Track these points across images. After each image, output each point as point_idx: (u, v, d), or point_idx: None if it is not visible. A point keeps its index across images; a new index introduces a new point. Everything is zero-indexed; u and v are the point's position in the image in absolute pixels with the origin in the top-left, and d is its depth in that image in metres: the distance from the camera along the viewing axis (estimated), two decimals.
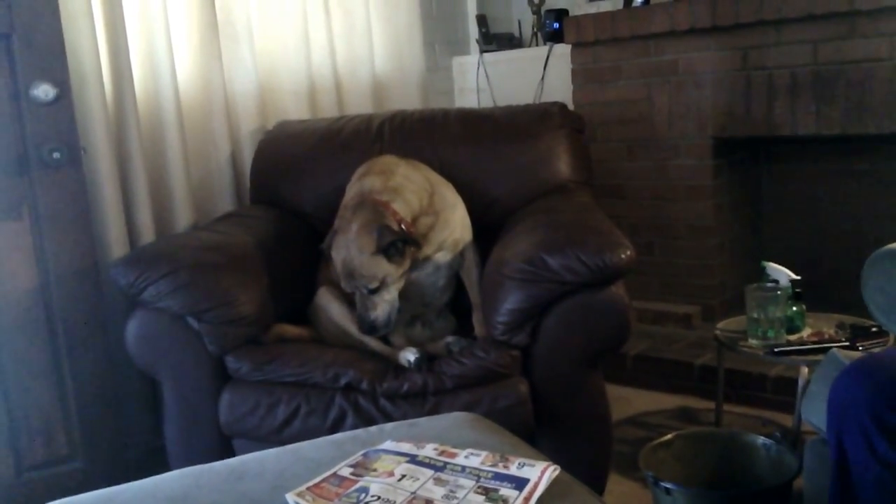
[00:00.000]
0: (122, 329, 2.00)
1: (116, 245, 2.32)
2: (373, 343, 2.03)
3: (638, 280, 3.09)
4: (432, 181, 2.15)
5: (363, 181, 2.06)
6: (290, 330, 2.11)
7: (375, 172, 2.07)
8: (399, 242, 1.91)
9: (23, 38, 1.93)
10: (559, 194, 2.31)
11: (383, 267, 1.91)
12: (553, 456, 1.34)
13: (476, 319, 2.09)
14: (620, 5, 3.20)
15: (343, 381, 1.88)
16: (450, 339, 2.04)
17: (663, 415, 2.72)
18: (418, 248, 2.00)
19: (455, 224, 2.13)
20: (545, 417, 1.89)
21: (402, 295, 2.03)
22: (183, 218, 2.51)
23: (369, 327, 1.94)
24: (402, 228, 1.94)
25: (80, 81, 2.20)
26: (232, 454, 1.88)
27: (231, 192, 2.69)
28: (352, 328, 2.04)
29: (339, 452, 1.32)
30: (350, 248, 1.92)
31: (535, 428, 1.87)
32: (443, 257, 2.11)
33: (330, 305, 2.10)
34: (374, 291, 1.92)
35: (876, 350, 2.02)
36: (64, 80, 2.00)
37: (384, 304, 1.93)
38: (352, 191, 2.09)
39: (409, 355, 1.93)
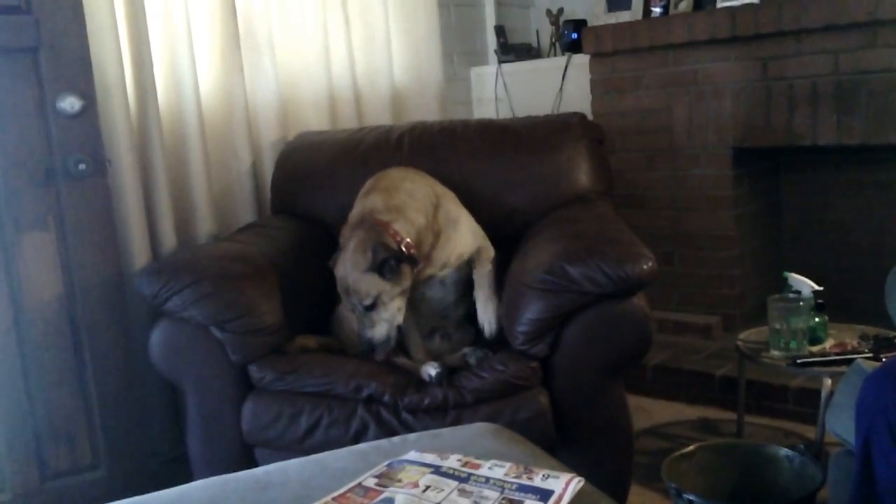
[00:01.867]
0: (145, 338, 2.02)
1: (139, 255, 2.34)
2: (398, 357, 2.02)
3: (658, 290, 3.08)
4: (438, 194, 2.15)
5: (366, 199, 2.06)
6: (314, 341, 2.12)
7: (379, 190, 2.07)
8: (392, 260, 1.89)
9: (49, 52, 1.96)
10: (580, 204, 2.31)
11: (377, 284, 1.89)
12: (574, 467, 1.34)
13: (482, 316, 2.07)
14: (639, 16, 3.20)
15: (365, 393, 1.89)
16: (466, 349, 2.04)
17: (684, 426, 2.71)
18: (416, 266, 1.99)
19: (457, 241, 2.12)
20: (566, 428, 1.88)
21: (417, 309, 2.04)
22: (205, 228, 2.53)
23: (366, 346, 1.92)
24: (399, 248, 1.93)
25: (105, 94, 2.22)
26: (254, 464, 1.88)
27: (252, 203, 2.71)
28: None
29: (363, 463, 1.33)
30: (346, 265, 1.93)
31: (556, 439, 1.87)
32: (448, 275, 2.11)
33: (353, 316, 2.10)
34: (370, 308, 1.90)
35: None
36: (90, 92, 2.02)
37: (382, 323, 1.92)
38: (356, 208, 2.10)
39: (431, 370, 1.93)
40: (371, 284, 1.89)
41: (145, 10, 2.35)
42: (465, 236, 2.14)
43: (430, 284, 2.10)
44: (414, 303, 2.03)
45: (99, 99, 2.11)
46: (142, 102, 2.38)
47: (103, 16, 2.22)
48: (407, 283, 1.95)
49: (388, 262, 1.89)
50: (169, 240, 2.44)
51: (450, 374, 1.93)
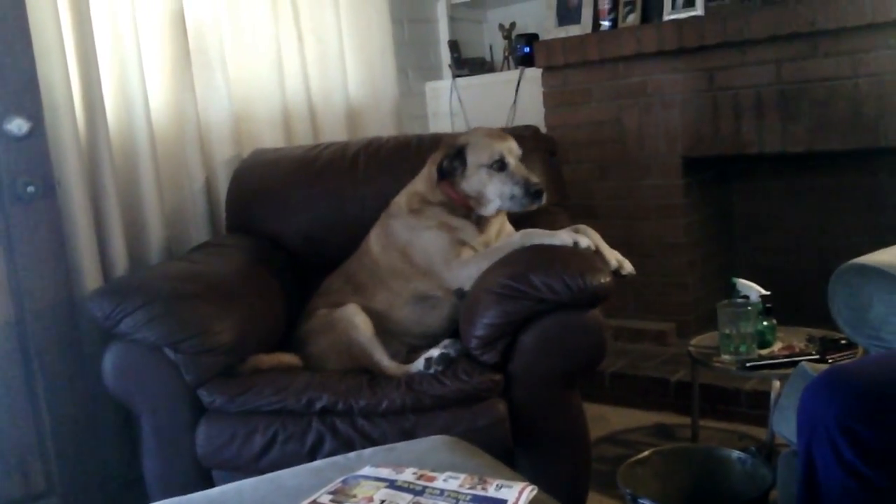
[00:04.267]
0: (98, 362, 2.00)
1: (90, 278, 2.28)
2: (384, 361, 2.02)
3: (614, 298, 3.09)
4: None
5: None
6: (267, 360, 2.09)
7: None
8: None
9: None
10: (542, 217, 2.33)
11: None
12: (532, 475, 1.36)
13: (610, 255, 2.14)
14: (589, 29, 3.25)
15: (318, 406, 1.88)
16: (446, 342, 2.06)
17: (641, 432, 2.74)
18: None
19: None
20: (524, 437, 1.90)
21: (406, 330, 2.14)
22: (157, 249, 2.50)
23: (535, 191, 2.08)
24: None
25: (53, 115, 2.18)
26: (211, 485, 1.87)
27: (206, 222, 2.69)
28: (371, 343, 2.05)
29: (318, 480, 1.33)
30: (490, 128, 2.23)
31: (513, 448, 1.89)
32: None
33: (356, 317, 2.09)
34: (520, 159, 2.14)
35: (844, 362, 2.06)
36: (37, 114, 2.00)
37: None
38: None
39: (433, 352, 1.95)
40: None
41: (93, 28, 2.32)
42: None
43: (436, 303, 2.14)
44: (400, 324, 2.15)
45: (46, 120, 2.08)
46: (91, 122, 2.34)
47: (49, 36, 2.18)
48: None
49: None
50: (121, 261, 2.39)
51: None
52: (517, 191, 2.10)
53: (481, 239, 2.16)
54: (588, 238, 2.05)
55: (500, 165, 2.12)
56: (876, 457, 1.27)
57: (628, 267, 2.07)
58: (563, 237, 2.03)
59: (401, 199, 2.26)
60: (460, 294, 2.11)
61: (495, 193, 2.12)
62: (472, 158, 2.14)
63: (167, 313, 1.91)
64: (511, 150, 2.14)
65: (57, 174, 2.13)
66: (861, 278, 1.63)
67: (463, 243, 2.14)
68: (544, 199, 2.11)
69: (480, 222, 2.18)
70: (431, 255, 2.14)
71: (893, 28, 2.54)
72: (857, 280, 1.64)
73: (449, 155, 2.16)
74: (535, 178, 2.11)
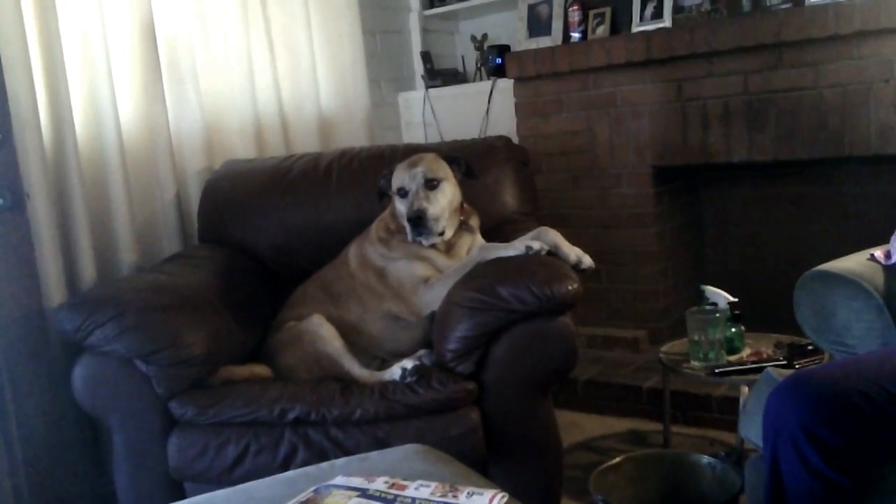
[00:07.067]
0: (67, 375, 1.98)
1: (55, 291, 2.23)
2: (355, 368, 2.03)
3: (586, 306, 3.14)
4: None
5: None
6: (238, 371, 2.08)
7: None
8: (462, 162, 2.17)
9: None
10: (510, 227, 2.35)
11: (444, 167, 2.13)
12: (505, 483, 1.37)
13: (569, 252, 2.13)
14: (559, 41, 3.29)
15: (291, 416, 1.88)
16: (422, 352, 2.08)
17: (614, 438, 2.76)
18: (475, 180, 2.22)
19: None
20: (497, 445, 1.91)
21: (379, 345, 2.15)
22: (127, 261, 2.48)
23: (415, 214, 2.03)
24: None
25: (19, 127, 2.15)
26: (183, 498, 1.85)
27: (177, 233, 2.67)
28: (340, 353, 2.05)
29: (290, 490, 1.33)
30: (420, 154, 2.17)
31: (486, 455, 1.90)
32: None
33: (321, 329, 2.10)
34: (431, 187, 2.08)
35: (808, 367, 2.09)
36: (6, 125, 1.99)
37: (438, 202, 2.08)
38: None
39: (407, 363, 1.95)
40: (440, 166, 2.13)
41: (61, 41, 2.31)
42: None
43: (407, 325, 2.15)
44: (373, 338, 2.15)
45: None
46: (58, 134, 2.31)
47: (15, 47, 2.15)
48: (459, 194, 2.16)
49: (461, 161, 2.18)
50: (88, 274, 2.35)
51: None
52: (405, 220, 2.09)
53: (450, 262, 2.15)
54: (541, 241, 2.04)
55: (402, 193, 2.11)
56: (839, 460, 1.30)
57: (587, 261, 2.05)
58: (517, 246, 2.04)
59: (373, 226, 2.28)
60: (432, 318, 2.11)
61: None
62: (393, 187, 2.17)
63: (138, 325, 1.90)
64: (415, 175, 2.09)
65: (26, 186, 2.11)
66: (825, 285, 1.67)
67: (433, 270, 2.13)
68: (434, 227, 2.07)
69: (448, 247, 2.16)
70: (402, 283, 2.15)
71: (855, 40, 2.60)
72: (821, 287, 1.68)
73: (380, 183, 2.19)
74: (419, 204, 2.06)
